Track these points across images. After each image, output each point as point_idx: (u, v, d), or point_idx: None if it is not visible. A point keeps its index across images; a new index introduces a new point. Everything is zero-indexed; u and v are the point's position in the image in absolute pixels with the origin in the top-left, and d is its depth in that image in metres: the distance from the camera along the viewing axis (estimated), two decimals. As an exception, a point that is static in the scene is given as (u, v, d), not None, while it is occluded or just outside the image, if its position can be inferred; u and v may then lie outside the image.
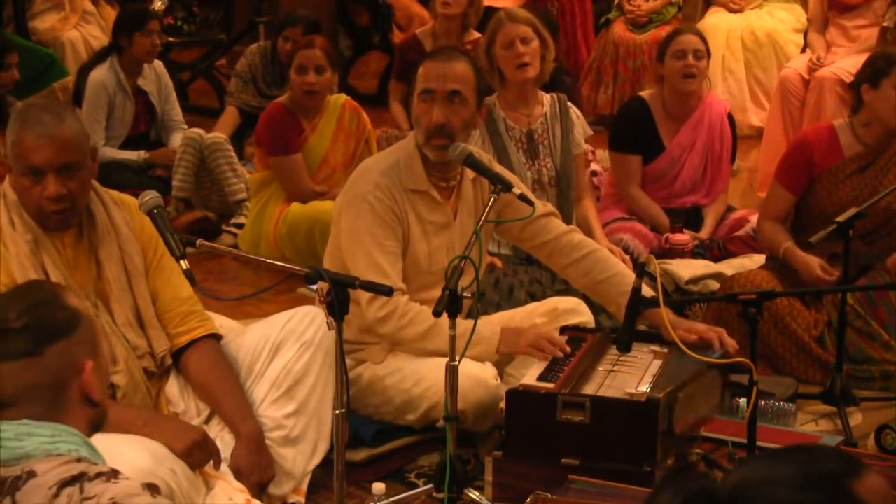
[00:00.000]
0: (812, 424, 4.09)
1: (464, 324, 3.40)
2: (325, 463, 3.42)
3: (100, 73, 6.46)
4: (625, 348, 3.47)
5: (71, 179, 3.20)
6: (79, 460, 1.97)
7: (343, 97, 5.90)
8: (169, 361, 3.40)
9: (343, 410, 3.04)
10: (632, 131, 5.28)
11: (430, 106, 3.74)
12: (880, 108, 4.45)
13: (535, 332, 3.75)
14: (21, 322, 2.04)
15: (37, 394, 2.03)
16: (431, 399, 3.76)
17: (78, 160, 3.21)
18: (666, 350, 3.70)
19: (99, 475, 1.92)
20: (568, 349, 3.69)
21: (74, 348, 2.08)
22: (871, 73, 4.48)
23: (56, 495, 1.90)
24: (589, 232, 4.78)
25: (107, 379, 2.18)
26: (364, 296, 3.67)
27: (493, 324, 3.86)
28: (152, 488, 1.95)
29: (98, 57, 6.63)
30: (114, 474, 1.94)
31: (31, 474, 1.93)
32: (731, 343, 3.66)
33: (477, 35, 6.84)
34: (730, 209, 5.48)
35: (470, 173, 3.87)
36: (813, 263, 4.40)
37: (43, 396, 2.04)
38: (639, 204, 5.25)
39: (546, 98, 4.94)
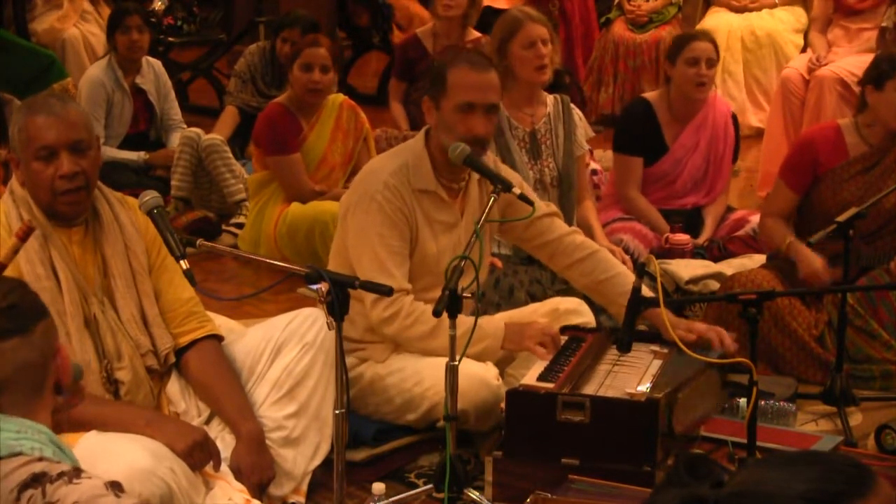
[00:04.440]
0: (812, 424, 4.08)
1: (466, 322, 3.40)
2: (326, 463, 3.42)
3: (96, 71, 6.48)
4: (625, 348, 3.47)
5: (82, 158, 3.25)
6: (40, 459, 1.94)
7: (340, 96, 5.90)
8: (172, 360, 3.40)
9: (343, 410, 3.04)
10: (635, 133, 5.26)
11: (469, 117, 3.71)
12: (883, 110, 4.46)
13: (538, 329, 3.75)
14: (7, 301, 2.04)
15: (26, 375, 2.03)
16: (432, 399, 3.76)
17: (87, 139, 3.27)
18: (666, 350, 3.70)
19: (61, 475, 1.89)
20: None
21: (51, 329, 2.10)
22: (876, 75, 4.48)
23: (17, 499, 1.87)
24: (589, 233, 4.78)
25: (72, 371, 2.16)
26: (368, 296, 3.68)
27: (495, 321, 3.86)
28: (115, 486, 1.92)
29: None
30: (76, 473, 1.91)
31: None
32: (731, 342, 3.66)
33: (477, 34, 6.84)
34: (729, 209, 5.48)
35: (476, 174, 3.86)
36: (814, 258, 4.39)
37: (30, 378, 2.03)
38: (636, 207, 5.24)
39: (549, 99, 4.94)
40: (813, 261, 4.39)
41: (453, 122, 3.72)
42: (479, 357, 3.76)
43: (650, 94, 5.41)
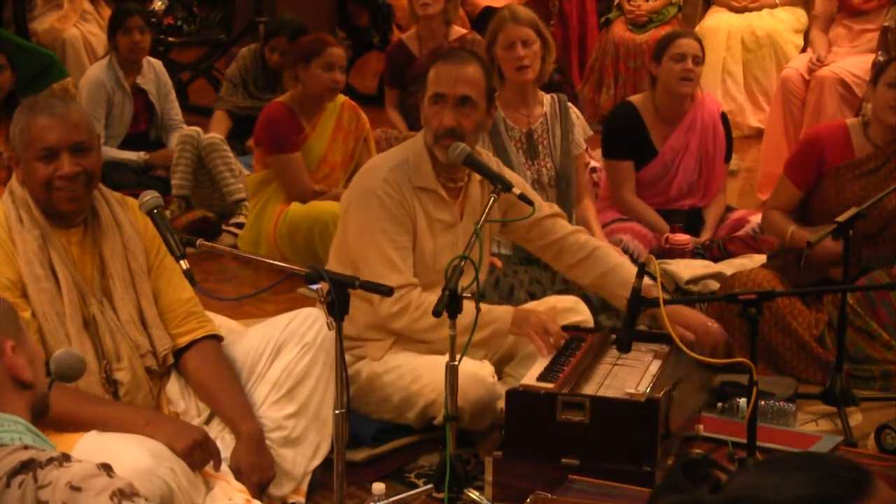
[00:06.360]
0: (812, 424, 4.08)
1: (472, 310, 3.38)
2: (326, 463, 3.42)
3: (97, 71, 6.49)
4: (625, 348, 3.47)
5: (83, 158, 3.26)
6: (25, 447, 1.94)
7: (342, 97, 5.91)
8: (171, 360, 3.40)
9: (343, 410, 3.04)
10: (622, 137, 5.26)
11: (441, 109, 3.74)
12: (876, 105, 4.50)
13: (542, 321, 3.75)
14: None
15: None
16: (428, 396, 3.76)
17: (88, 140, 3.28)
18: (666, 350, 3.70)
19: (50, 461, 1.90)
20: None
21: None
22: (875, 74, 4.55)
23: (7, 485, 1.87)
24: (588, 232, 4.78)
25: (38, 364, 2.14)
26: (376, 292, 3.68)
27: (503, 306, 3.87)
28: (107, 468, 1.92)
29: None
30: (65, 458, 1.92)
31: None
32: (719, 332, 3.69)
33: (462, 31, 6.84)
34: (729, 209, 5.48)
35: (478, 175, 3.87)
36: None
37: None
38: (634, 210, 5.24)
39: (546, 98, 4.94)
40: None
41: (429, 116, 3.77)
42: (488, 342, 3.77)
43: (635, 98, 5.41)
